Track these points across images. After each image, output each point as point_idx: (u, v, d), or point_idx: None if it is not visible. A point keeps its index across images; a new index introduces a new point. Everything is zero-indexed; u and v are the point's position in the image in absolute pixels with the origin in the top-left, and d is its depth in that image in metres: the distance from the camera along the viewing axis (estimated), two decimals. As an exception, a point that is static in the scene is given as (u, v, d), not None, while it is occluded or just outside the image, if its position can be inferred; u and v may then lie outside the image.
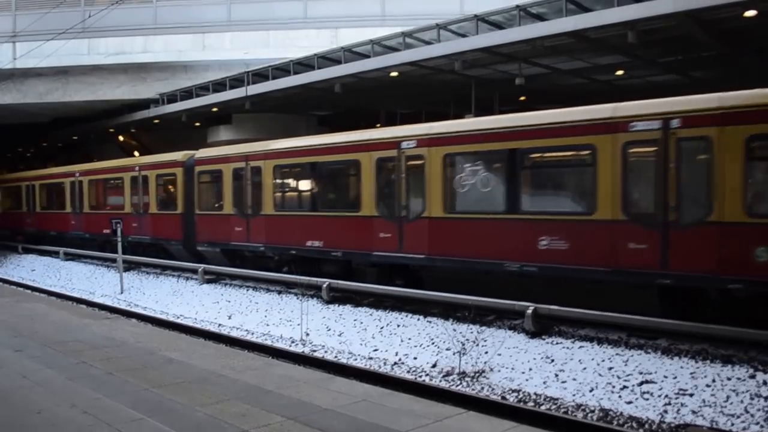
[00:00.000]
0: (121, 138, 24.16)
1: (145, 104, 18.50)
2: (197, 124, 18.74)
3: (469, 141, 8.64)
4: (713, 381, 5.74)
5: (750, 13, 8.40)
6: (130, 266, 14.73)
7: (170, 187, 14.79)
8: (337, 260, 10.40)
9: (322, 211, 10.79)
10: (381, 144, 9.68)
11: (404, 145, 9.29)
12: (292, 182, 12.11)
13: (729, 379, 5.73)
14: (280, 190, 11.90)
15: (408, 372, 6.94)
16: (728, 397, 5.49)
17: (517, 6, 9.96)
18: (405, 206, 9.31)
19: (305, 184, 11.48)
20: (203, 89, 16.52)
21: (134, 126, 20.93)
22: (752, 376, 5.71)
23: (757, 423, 5.13)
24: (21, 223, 21.99)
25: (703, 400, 5.50)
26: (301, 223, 11.04)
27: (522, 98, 14.27)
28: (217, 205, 13.12)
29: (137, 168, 15.57)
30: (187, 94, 17.00)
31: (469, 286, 8.41)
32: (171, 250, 14.75)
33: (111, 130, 22.01)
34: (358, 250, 9.97)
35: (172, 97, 17.55)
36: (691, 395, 5.60)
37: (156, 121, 19.01)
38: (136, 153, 22.90)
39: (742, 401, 5.41)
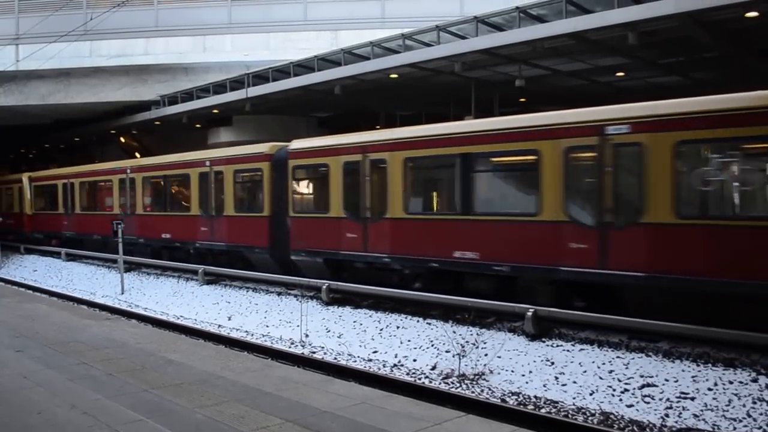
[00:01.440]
0: (122, 139, 24.23)
1: (146, 106, 18.56)
2: (198, 125, 18.79)
3: (717, 125, 6.46)
4: (715, 385, 5.72)
5: (751, 14, 8.39)
6: (130, 267, 14.74)
7: (253, 184, 12.44)
8: (499, 276, 8.27)
9: (478, 215, 8.49)
10: (573, 129, 7.54)
11: (610, 130, 7.17)
12: (432, 178, 9.73)
13: (731, 382, 5.71)
14: (414, 189, 9.50)
15: (407, 374, 6.92)
16: (730, 401, 5.46)
17: (517, 7, 9.97)
18: (611, 209, 7.16)
19: (452, 181, 9.01)
20: (204, 91, 16.57)
21: (135, 127, 21.00)
22: (754, 380, 5.68)
23: (760, 427, 5.10)
24: (57, 226, 19.70)
25: (705, 404, 5.48)
26: (447, 230, 8.79)
27: (522, 99, 14.28)
28: (320, 207, 10.80)
29: (208, 163, 13.14)
30: (188, 95, 17.05)
31: (711, 316, 6.37)
32: (253, 259, 12.32)
33: (112, 131, 22.10)
34: (534, 264, 7.82)
35: (172, 99, 17.61)
36: (693, 399, 5.58)
37: (157, 122, 19.07)
38: (137, 154, 22.94)
39: (744, 405, 5.38)
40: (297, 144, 11.42)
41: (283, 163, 11.42)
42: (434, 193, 9.71)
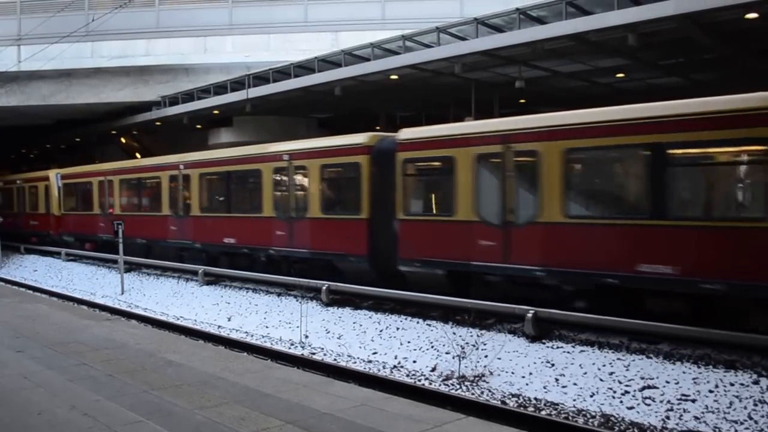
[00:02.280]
0: (123, 140, 24.27)
1: (147, 106, 18.60)
2: (198, 126, 18.83)
3: None
4: (716, 387, 5.71)
5: (751, 15, 8.39)
6: (130, 267, 14.75)
7: (347, 181, 10.52)
8: (701, 295, 6.57)
9: (680, 219, 6.74)
10: None
11: None
12: (605, 174, 7.94)
13: (732, 384, 5.70)
14: (580, 186, 7.79)
15: (407, 375, 6.91)
16: (731, 403, 5.46)
17: (517, 9, 9.98)
18: None
19: (638, 177, 7.36)
20: (204, 92, 16.60)
21: (136, 128, 21.04)
22: (756, 382, 5.68)
23: (761, 429, 5.09)
24: (91, 228, 17.70)
25: (706, 406, 5.47)
26: (630, 237, 7.05)
27: (522, 101, 14.29)
28: (442, 208, 9.19)
29: (286, 156, 11.21)
30: (189, 96, 17.08)
31: None
32: (345, 268, 10.50)
33: (113, 131, 22.14)
34: (763, 282, 6.09)
35: (173, 100, 17.64)
36: (694, 401, 5.57)
37: (158, 123, 19.10)
38: (138, 155, 22.97)
39: (745, 407, 5.37)
40: (409, 133, 9.45)
41: (387, 157, 9.52)
42: (609, 193, 7.82)
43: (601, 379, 6.17)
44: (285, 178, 11.45)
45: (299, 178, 11.24)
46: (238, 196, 13.02)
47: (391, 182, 9.50)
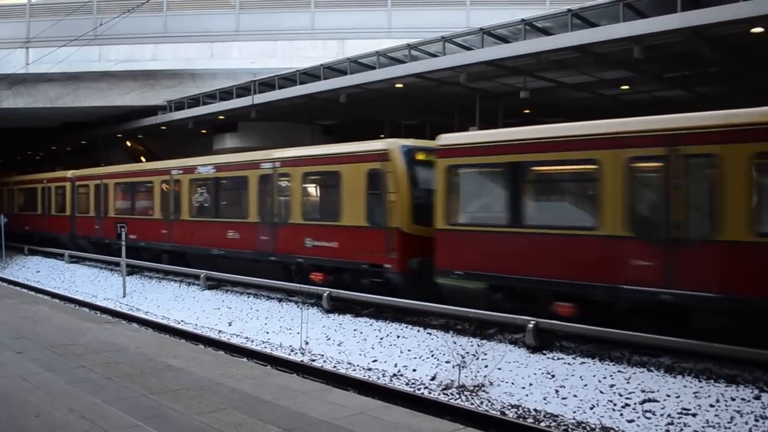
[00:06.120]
0: (128, 143, 24.44)
1: (152, 111, 18.74)
2: (203, 131, 18.94)
3: None
4: (717, 401, 5.67)
5: (757, 29, 8.41)
6: (133, 270, 14.78)
7: None
8: None
9: None
10: None
11: None
12: None
13: (733, 399, 5.66)
14: None
15: (407, 384, 6.89)
16: (732, 418, 5.41)
17: (523, 20, 10.04)
18: None
19: None
20: (210, 97, 16.72)
21: (142, 132, 21.18)
22: (757, 397, 5.63)
23: (762, 445, 5.04)
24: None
25: (707, 421, 5.42)
26: None
27: (526, 111, 14.33)
28: None
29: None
30: (195, 101, 17.20)
31: None
32: None
33: (118, 135, 22.29)
34: None
35: (179, 105, 17.78)
36: (695, 415, 5.52)
37: (163, 127, 19.23)
38: (143, 158, 23.10)
39: (746, 423, 5.32)
40: None
41: None
42: None
43: (601, 392, 6.12)
44: None
45: None
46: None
47: None
